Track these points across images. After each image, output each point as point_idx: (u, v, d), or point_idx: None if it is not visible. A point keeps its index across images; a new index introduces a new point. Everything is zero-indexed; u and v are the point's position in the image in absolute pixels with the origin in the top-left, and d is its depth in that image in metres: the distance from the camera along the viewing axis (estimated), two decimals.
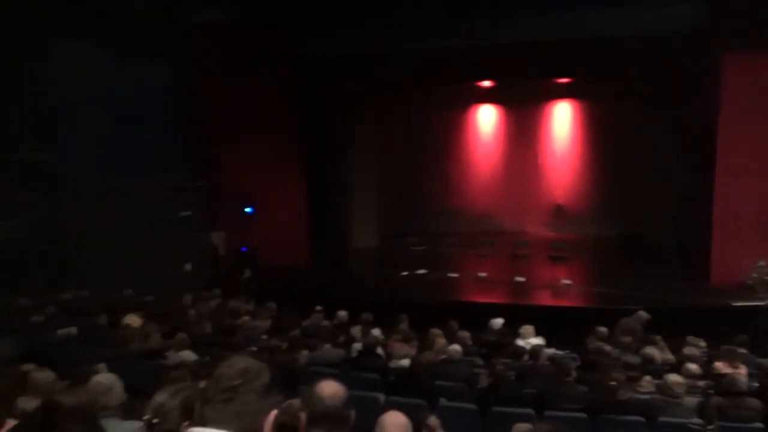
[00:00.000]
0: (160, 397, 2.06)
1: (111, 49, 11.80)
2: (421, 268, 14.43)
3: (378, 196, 17.91)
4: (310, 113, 15.13)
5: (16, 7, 9.93)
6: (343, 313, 9.42)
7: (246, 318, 9.11)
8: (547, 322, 9.16)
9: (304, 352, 7.09)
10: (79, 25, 11.12)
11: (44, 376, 4.14)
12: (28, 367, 4.86)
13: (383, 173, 18.10)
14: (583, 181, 18.36)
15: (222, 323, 8.52)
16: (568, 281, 12.74)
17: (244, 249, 15.42)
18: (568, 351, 7.92)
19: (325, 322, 9.30)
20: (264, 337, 8.02)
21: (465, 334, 8.21)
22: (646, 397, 5.79)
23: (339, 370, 6.20)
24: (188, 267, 13.46)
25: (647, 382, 6.20)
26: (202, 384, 2.39)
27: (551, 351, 7.58)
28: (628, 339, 7.78)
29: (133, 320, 8.28)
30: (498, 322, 9.08)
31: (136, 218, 11.92)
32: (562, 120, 18.59)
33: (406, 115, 18.21)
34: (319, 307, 9.73)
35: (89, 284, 10.06)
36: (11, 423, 2.63)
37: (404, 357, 6.95)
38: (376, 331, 8.45)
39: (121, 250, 11.36)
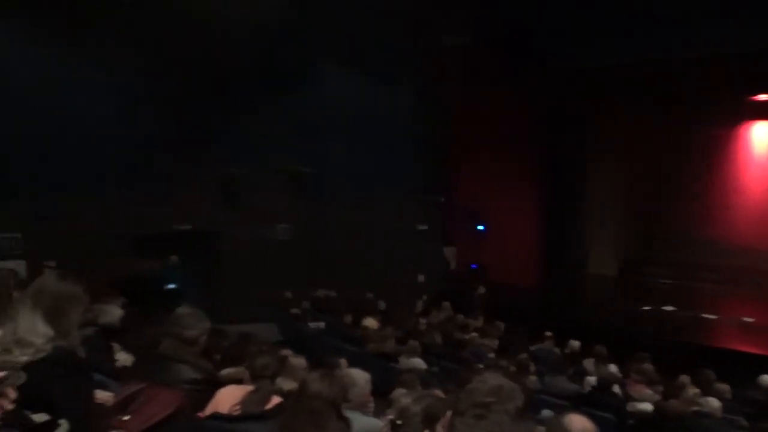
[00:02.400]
0: (405, 400, 2.12)
1: (367, 72, 13.03)
2: (667, 303, 12.88)
3: (620, 220, 16.49)
4: (551, 130, 14.70)
5: (290, 35, 11.55)
6: (575, 343, 8.87)
7: (474, 334, 9.14)
8: None
9: (532, 378, 6.82)
10: (341, 50, 12.51)
11: (299, 362, 4.64)
12: (286, 352, 5.54)
13: (628, 195, 16.62)
14: None
15: (451, 336, 8.67)
16: None
17: (474, 266, 15.57)
18: None
19: (556, 350, 8.85)
20: (491, 355, 7.94)
21: (723, 387, 7.05)
22: None
23: (570, 404, 5.80)
24: (421, 278, 14.05)
25: None
26: (440, 393, 2.43)
27: None
28: None
29: (371, 323, 8.92)
30: None
31: (381, 228, 12.92)
32: None
33: (656, 131, 16.51)
34: (549, 333, 9.31)
35: (337, 284, 11.14)
36: (276, 399, 3.00)
37: (646, 401, 6.23)
38: (613, 368, 7.74)
39: (365, 256, 12.42)
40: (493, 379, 1.59)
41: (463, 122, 15.19)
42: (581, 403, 6.16)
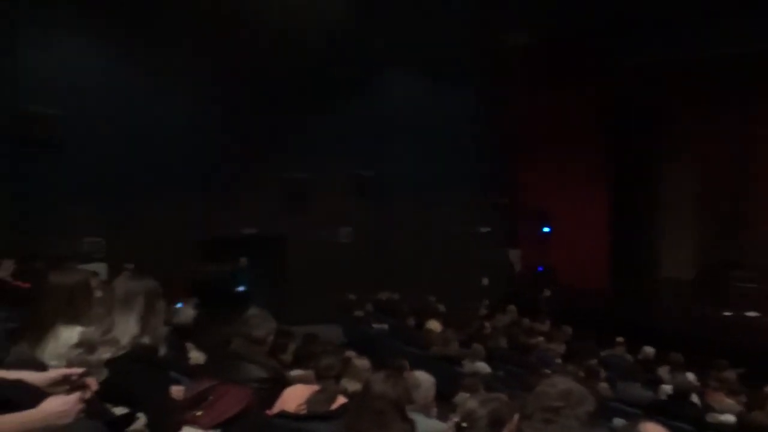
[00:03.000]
0: (471, 403, 2.10)
1: (428, 75, 13.03)
2: (751, 309, 12.11)
3: (697, 220, 15.61)
4: (620, 126, 14.19)
5: (353, 40, 11.71)
6: (649, 349, 8.48)
7: (540, 338, 8.92)
8: None
9: (603, 385, 6.58)
10: (404, 53, 12.57)
11: (363, 363, 4.68)
12: (350, 353, 5.61)
13: (705, 193, 15.70)
14: None
15: (516, 340, 8.50)
16: None
17: (540, 268, 15.21)
18: None
19: (627, 356, 8.51)
20: (558, 361, 7.73)
21: None
22: None
23: (644, 412, 5.56)
24: (485, 281, 13.87)
25: None
26: (504, 397, 2.39)
27: None
28: None
29: (435, 325, 8.88)
30: None
31: (443, 231, 12.87)
32: None
33: (736, 126, 15.55)
34: (620, 339, 8.96)
35: (400, 287, 11.17)
36: (341, 399, 3.04)
37: (727, 412, 5.88)
38: (691, 376, 7.36)
39: (428, 259, 12.41)
40: (562, 383, 1.56)
41: (527, 122, 14.90)
42: (656, 412, 5.89)
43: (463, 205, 13.29)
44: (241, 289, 10.76)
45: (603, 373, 6.94)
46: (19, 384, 1.58)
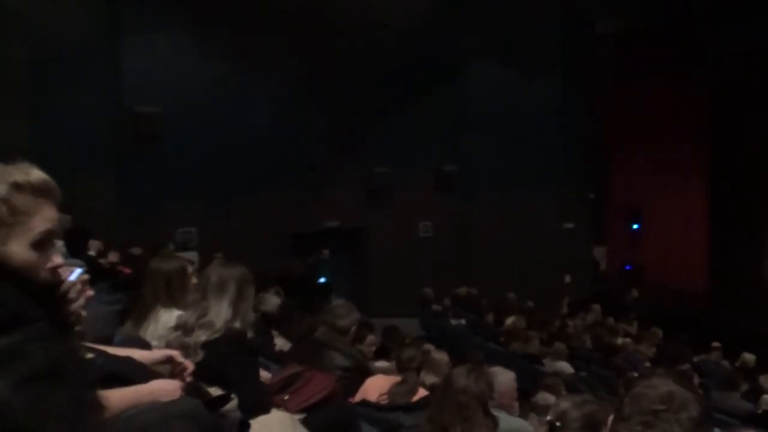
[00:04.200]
0: (564, 404, 2.06)
1: (513, 67, 12.73)
2: None
3: None
4: (718, 120, 13.27)
5: (438, 33, 11.64)
6: (749, 356, 7.92)
7: (627, 340, 8.55)
8: None
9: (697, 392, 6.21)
10: (489, 46, 12.37)
11: (442, 356, 4.68)
12: (428, 347, 5.62)
13: None
14: None
15: (602, 341, 8.20)
16: None
17: (628, 267, 14.55)
18: None
19: (724, 362, 7.99)
20: (647, 364, 7.38)
21: None
22: None
23: (743, 424, 5.21)
24: (568, 279, 13.45)
25: None
26: (593, 398, 2.32)
27: None
28: None
29: (514, 322, 8.71)
30: None
31: (527, 226, 12.57)
32: None
33: None
34: (716, 344, 8.43)
35: (479, 282, 11.05)
36: (422, 391, 3.06)
37: None
38: None
39: (510, 255, 12.18)
40: (663, 385, 1.48)
41: (617, 115, 14.29)
42: (756, 423, 5.52)
43: (548, 201, 12.88)
44: (323, 280, 11.03)
45: (697, 380, 6.56)
46: (129, 360, 1.72)
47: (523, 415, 3.92)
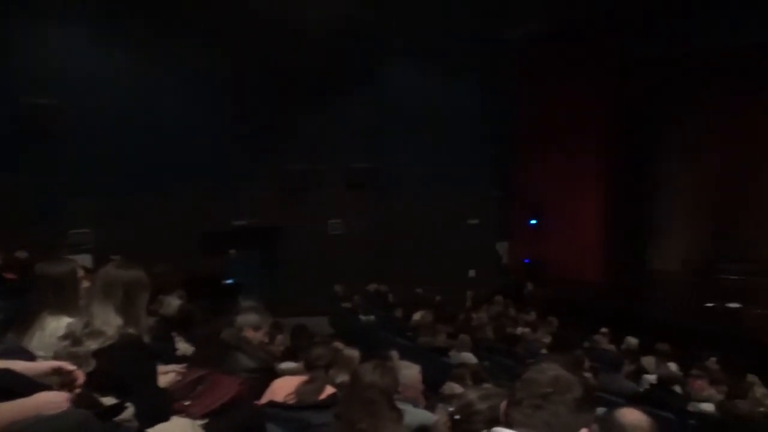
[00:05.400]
0: (471, 395, 2.10)
1: (428, 68, 13.00)
2: (733, 300, 12.31)
3: (687, 214, 15.83)
4: (614, 121, 14.29)
5: (355, 34, 11.67)
6: (633, 340, 8.60)
7: (527, 330, 9.01)
8: None
9: (587, 375, 6.66)
10: (407, 46, 12.52)
11: (352, 353, 4.70)
12: (338, 345, 5.63)
13: (695, 186, 15.92)
14: None
15: (503, 331, 8.58)
16: None
17: (526, 261, 15.33)
18: None
19: (611, 346, 8.62)
20: (544, 351, 7.82)
21: None
22: None
23: (629, 402, 5.65)
24: (473, 273, 13.96)
25: None
26: (492, 387, 2.42)
27: None
28: None
29: (422, 317, 8.93)
30: None
31: (436, 223, 12.90)
32: None
33: (727, 119, 15.70)
34: (604, 329, 9.07)
35: (389, 279, 11.22)
36: (330, 389, 3.07)
37: (707, 400, 6.00)
38: (673, 366, 7.49)
39: (420, 251, 12.45)
40: (551, 370, 1.58)
41: (526, 116, 14.95)
42: (639, 401, 5.99)
43: (457, 198, 13.30)
44: (230, 281, 10.75)
45: (587, 363, 7.03)
46: (8, 373, 1.59)
47: (431, 406, 4.03)
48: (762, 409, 5.82)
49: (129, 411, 1.85)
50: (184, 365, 2.67)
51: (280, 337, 4.84)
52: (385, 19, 11.90)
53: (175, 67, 10.24)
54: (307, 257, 11.49)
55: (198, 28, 10.18)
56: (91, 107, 9.39)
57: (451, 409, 2.21)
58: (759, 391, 6.23)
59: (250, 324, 3.34)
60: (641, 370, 7.30)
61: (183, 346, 4.51)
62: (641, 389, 6.56)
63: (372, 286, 10.73)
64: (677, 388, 6.53)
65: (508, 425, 1.56)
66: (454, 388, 4.75)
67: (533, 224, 15.62)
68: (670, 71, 13.39)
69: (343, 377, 4.13)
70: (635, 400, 5.94)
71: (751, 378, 6.69)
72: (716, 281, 13.28)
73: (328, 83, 11.58)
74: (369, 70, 12.46)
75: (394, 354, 5.43)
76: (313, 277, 10.93)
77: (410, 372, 3.44)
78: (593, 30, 13.21)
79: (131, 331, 2.20)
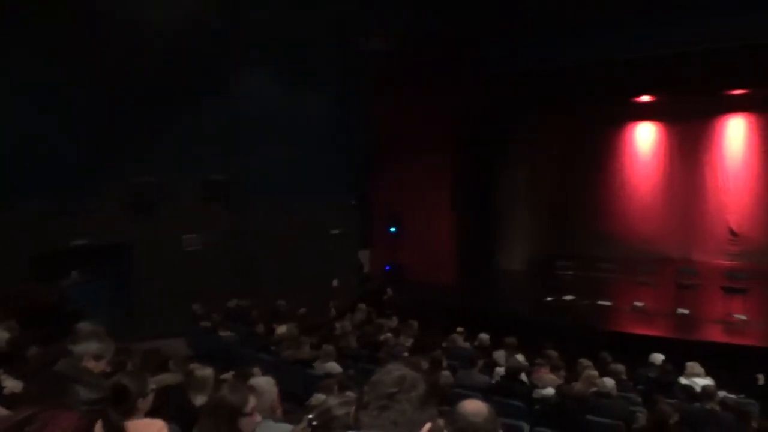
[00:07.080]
0: (330, 402, 2.10)
1: (283, 77, 12.86)
2: (569, 293, 13.69)
3: (527, 218, 17.39)
4: (463, 133, 15.25)
5: (208, 41, 11.24)
6: (484, 336, 9.22)
7: (389, 335, 9.27)
8: (716, 360, 8.17)
9: (445, 373, 7.03)
10: (263, 55, 12.29)
11: (205, 373, 4.52)
12: (193, 366, 5.39)
13: (534, 194, 17.56)
14: (763, 204, 16.23)
15: (366, 338, 8.75)
16: (743, 316, 11.30)
17: (387, 267, 15.80)
18: (742, 395, 6.99)
19: (466, 344, 9.16)
20: (406, 354, 8.10)
21: (619, 368, 7.59)
22: None
23: (483, 395, 6.05)
24: (336, 282, 14.09)
25: None
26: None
27: (722, 394, 6.74)
28: None
29: (285, 330, 8.83)
30: (659, 357, 8.29)
31: (298, 234, 12.79)
32: (735, 136, 16.62)
33: (559, 133, 17.55)
34: (460, 329, 9.62)
35: (251, 293, 10.93)
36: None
37: (549, 386, 6.60)
38: (520, 357, 8.14)
39: (282, 263, 12.26)
40: (396, 370, 1.62)
41: (383, 127, 15.39)
42: (492, 393, 6.44)
43: (318, 209, 13.30)
44: (73, 306, 9.78)
45: (445, 362, 7.41)
46: None
47: (297, 418, 3.99)
48: (594, 388, 6.51)
49: None
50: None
51: (129, 365, 4.51)
52: (240, 28, 11.65)
53: (11, 73, 9.14)
54: (161, 276, 10.81)
55: (38, 32, 9.18)
56: None
57: (310, 416, 2.21)
58: (590, 373, 6.95)
59: (90, 352, 3.07)
60: (493, 364, 7.84)
61: (12, 384, 4.04)
62: (493, 381, 7.04)
63: (232, 302, 10.39)
64: (524, 377, 7.11)
65: (357, 429, 1.59)
66: (320, 398, 4.77)
67: (393, 232, 16.15)
68: (513, 84, 14.57)
69: (201, 398, 3.97)
70: (488, 392, 6.38)
71: (584, 361, 7.45)
72: (554, 277, 14.71)
73: (181, 92, 11.03)
74: (224, 79, 12.10)
75: (256, 370, 5.33)
76: (168, 297, 10.32)
77: (264, 384, 3.40)
78: (446, 45, 13.92)
79: None
